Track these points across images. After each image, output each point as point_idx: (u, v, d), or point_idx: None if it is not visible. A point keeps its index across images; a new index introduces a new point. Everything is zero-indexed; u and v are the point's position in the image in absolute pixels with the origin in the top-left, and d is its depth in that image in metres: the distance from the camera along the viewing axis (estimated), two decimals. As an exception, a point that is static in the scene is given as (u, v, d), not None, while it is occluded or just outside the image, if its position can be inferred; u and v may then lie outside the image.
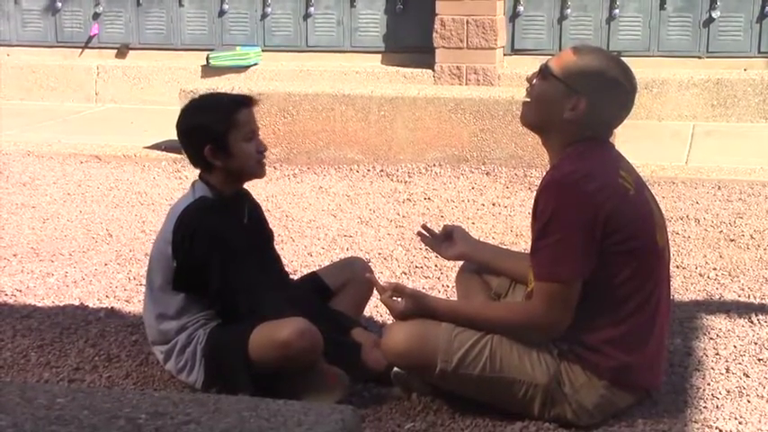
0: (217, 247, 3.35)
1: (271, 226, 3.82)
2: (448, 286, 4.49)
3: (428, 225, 3.81)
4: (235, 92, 6.17)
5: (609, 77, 3.05)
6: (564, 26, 8.97)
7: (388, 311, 3.29)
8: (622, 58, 3.19)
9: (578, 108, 3.02)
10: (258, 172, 3.47)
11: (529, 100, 3.13)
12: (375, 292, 3.55)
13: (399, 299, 3.22)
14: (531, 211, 3.08)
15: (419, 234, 3.67)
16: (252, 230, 3.56)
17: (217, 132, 3.38)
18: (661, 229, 3.15)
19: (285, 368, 3.27)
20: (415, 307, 3.16)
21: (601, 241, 2.96)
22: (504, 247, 4.50)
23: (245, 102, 3.45)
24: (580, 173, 2.99)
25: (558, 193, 2.99)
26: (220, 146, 3.38)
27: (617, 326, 3.04)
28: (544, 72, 3.09)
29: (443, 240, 3.60)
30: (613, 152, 3.17)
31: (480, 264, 3.57)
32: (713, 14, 8.68)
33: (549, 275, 3.00)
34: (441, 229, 3.66)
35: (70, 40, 10.04)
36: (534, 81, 3.12)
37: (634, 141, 7.35)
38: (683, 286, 4.60)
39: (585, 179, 2.98)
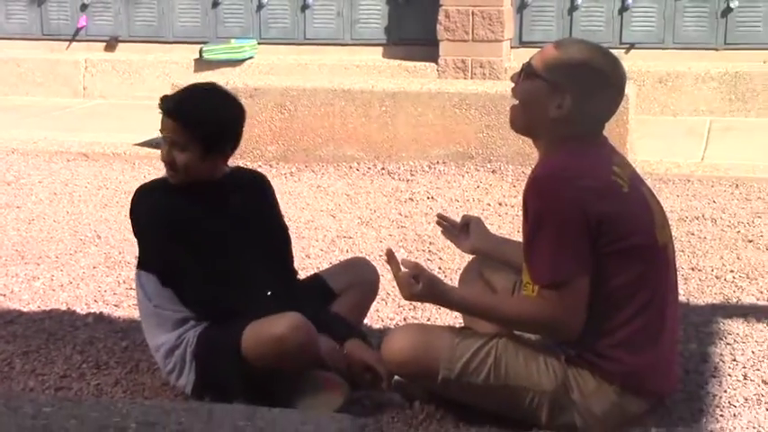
0: (159, 226, 3.44)
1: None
2: (452, 290, 4.50)
3: (445, 214, 3.80)
4: (230, 87, 6.19)
5: (593, 70, 3.05)
6: (574, 17, 8.98)
7: (398, 291, 3.27)
8: (611, 50, 3.20)
9: (564, 105, 3.02)
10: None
11: (516, 102, 3.14)
12: (381, 294, 3.54)
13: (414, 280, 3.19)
14: None
15: (438, 224, 3.67)
16: (238, 219, 3.56)
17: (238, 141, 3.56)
18: (661, 226, 3.15)
19: (281, 367, 3.28)
20: (430, 292, 3.14)
21: (594, 241, 2.97)
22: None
23: None
24: (569, 171, 3.00)
25: (546, 187, 2.99)
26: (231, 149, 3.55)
27: (621, 328, 3.05)
28: (527, 71, 3.10)
29: (461, 231, 3.60)
30: (605, 148, 3.17)
31: (495, 259, 3.55)
32: (731, 4, 8.69)
33: (549, 280, 3.00)
34: (460, 219, 3.65)
35: (57, 33, 10.06)
36: (518, 81, 3.13)
37: (648, 137, 7.37)
38: (699, 289, 4.61)
39: (576, 176, 2.98)
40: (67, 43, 10.05)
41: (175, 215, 3.44)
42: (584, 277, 2.98)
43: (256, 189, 3.68)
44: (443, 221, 3.65)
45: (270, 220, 3.71)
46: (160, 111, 3.45)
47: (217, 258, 3.45)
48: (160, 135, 3.53)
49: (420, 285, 3.11)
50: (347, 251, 5.20)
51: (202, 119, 3.40)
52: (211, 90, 3.56)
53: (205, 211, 3.49)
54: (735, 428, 3.26)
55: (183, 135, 3.40)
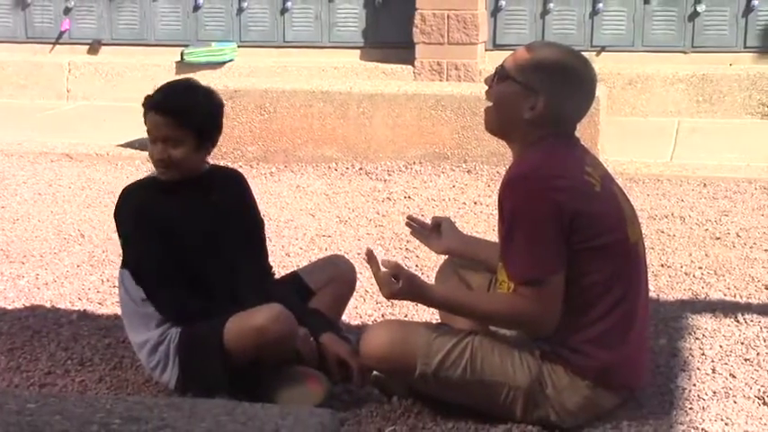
0: (142, 224, 3.42)
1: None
2: (429, 287, 4.49)
3: (415, 216, 3.80)
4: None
5: (565, 71, 3.05)
6: (547, 21, 9.00)
7: (377, 289, 3.26)
8: (584, 52, 3.20)
9: (537, 107, 3.02)
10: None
11: (490, 104, 3.13)
12: (360, 291, 3.53)
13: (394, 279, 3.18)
14: None
15: (408, 225, 3.66)
16: (218, 216, 3.54)
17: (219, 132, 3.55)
18: (632, 224, 3.16)
19: (262, 357, 3.28)
20: (409, 290, 3.13)
21: (568, 238, 2.97)
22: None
23: None
24: (543, 170, 3.00)
25: (521, 187, 2.99)
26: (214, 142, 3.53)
27: (594, 324, 3.05)
28: (500, 73, 3.09)
29: (432, 232, 3.59)
30: (578, 148, 3.17)
31: (468, 259, 3.54)
32: (698, 8, 8.72)
33: (526, 277, 3.00)
34: (430, 220, 3.65)
35: (41, 36, 10.00)
36: (492, 84, 3.12)
37: (618, 138, 7.38)
38: (669, 285, 4.62)
39: (549, 176, 2.99)
40: (51, 46, 9.99)
41: (159, 213, 3.42)
42: (559, 274, 2.98)
43: (234, 186, 3.67)
44: (413, 223, 3.63)
45: (247, 216, 3.70)
46: (149, 110, 3.41)
47: (197, 255, 3.43)
48: (147, 136, 3.48)
49: (400, 284, 3.10)
50: (326, 249, 5.19)
51: (194, 110, 3.39)
52: (192, 83, 3.56)
53: (189, 208, 3.48)
54: (704, 421, 3.27)
55: (178, 129, 3.37)
